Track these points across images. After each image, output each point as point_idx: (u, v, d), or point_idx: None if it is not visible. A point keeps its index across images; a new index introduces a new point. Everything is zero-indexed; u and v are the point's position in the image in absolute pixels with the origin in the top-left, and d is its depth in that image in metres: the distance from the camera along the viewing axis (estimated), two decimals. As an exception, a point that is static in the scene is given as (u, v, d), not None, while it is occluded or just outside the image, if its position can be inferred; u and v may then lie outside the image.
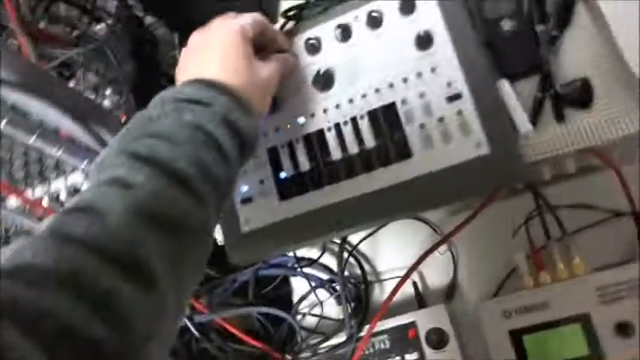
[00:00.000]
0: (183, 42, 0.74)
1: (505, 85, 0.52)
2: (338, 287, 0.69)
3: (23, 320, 0.27)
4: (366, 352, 0.63)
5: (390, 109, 0.53)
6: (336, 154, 0.55)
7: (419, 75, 0.53)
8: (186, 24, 0.73)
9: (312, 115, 0.56)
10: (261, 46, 0.53)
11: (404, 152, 0.52)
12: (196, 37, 0.52)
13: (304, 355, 0.67)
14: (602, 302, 0.55)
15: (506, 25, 0.55)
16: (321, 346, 0.66)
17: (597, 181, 0.61)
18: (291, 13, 0.63)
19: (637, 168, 0.59)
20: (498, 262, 0.64)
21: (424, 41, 0.52)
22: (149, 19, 0.80)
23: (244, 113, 0.45)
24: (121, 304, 0.31)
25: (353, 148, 0.54)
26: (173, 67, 0.74)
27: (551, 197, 0.60)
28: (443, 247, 0.66)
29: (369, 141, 0.53)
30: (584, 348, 0.55)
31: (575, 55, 0.53)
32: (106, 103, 0.65)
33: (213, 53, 0.49)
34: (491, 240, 0.65)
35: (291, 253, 0.72)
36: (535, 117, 0.52)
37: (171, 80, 0.75)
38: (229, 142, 0.43)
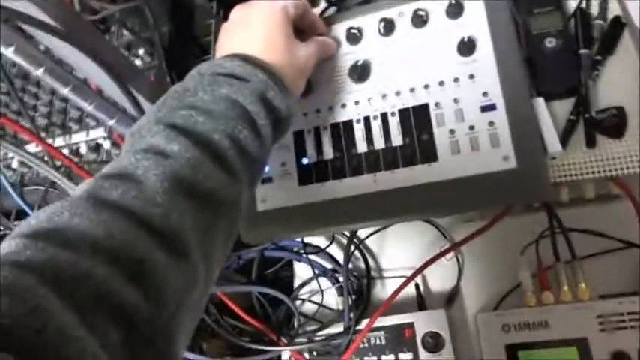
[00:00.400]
0: (220, 12, 0.74)
1: (540, 104, 0.52)
2: (340, 278, 0.69)
3: (59, 281, 0.27)
4: (361, 346, 0.64)
5: (423, 110, 0.53)
6: (361, 147, 0.54)
7: (456, 80, 0.52)
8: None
9: (343, 105, 0.56)
10: (299, 29, 0.53)
11: (430, 155, 0.52)
12: (238, 13, 0.52)
13: (299, 339, 0.67)
14: (601, 330, 0.55)
15: (550, 43, 0.54)
16: (318, 333, 0.67)
17: (613, 210, 0.61)
18: (334, -1, 0.63)
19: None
20: (503, 275, 0.64)
21: (467, 47, 0.52)
22: (188, -15, 0.80)
23: (281, 91, 0.45)
24: (156, 273, 0.31)
25: (379, 144, 0.54)
26: (208, 36, 0.74)
27: (565, 219, 0.60)
28: (450, 254, 0.66)
29: (397, 139, 0.53)
30: (578, 371, 0.55)
31: (613, 83, 0.53)
32: (138, 62, 0.64)
33: (254, 30, 0.49)
34: (499, 253, 0.65)
35: (299, 238, 0.72)
36: (565, 139, 0.52)
37: (204, 49, 0.75)
38: (264, 120, 0.43)
